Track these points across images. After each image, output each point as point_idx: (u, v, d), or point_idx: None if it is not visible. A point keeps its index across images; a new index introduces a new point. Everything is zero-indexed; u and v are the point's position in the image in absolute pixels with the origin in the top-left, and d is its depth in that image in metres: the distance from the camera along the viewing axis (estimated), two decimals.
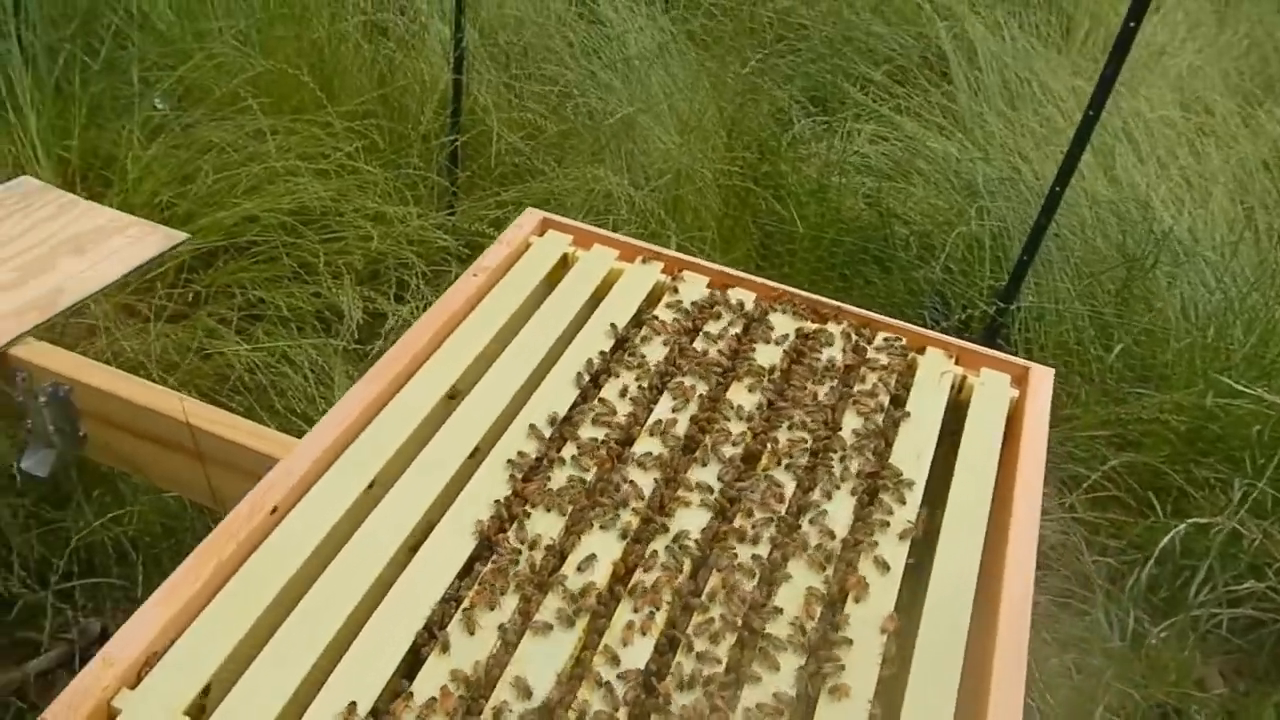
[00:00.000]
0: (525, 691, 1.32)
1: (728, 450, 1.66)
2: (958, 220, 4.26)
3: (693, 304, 1.92)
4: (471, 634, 1.38)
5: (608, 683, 1.33)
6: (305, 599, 1.39)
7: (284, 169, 3.85)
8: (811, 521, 1.57)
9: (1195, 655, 3.01)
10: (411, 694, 1.31)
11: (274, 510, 1.48)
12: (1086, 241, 4.33)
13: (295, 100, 4.04)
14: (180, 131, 3.94)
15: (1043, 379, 1.84)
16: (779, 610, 1.43)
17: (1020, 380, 1.86)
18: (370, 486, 1.55)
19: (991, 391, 1.83)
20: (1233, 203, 4.69)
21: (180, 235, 2.73)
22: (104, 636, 2.52)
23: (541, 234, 2.05)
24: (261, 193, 3.82)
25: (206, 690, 1.30)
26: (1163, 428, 3.55)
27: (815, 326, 1.92)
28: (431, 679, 1.33)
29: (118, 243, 2.46)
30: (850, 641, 1.41)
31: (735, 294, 1.97)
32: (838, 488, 1.62)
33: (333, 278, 3.63)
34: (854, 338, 1.89)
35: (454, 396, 1.72)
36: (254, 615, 1.37)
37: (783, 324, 1.92)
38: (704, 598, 1.45)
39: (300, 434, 1.62)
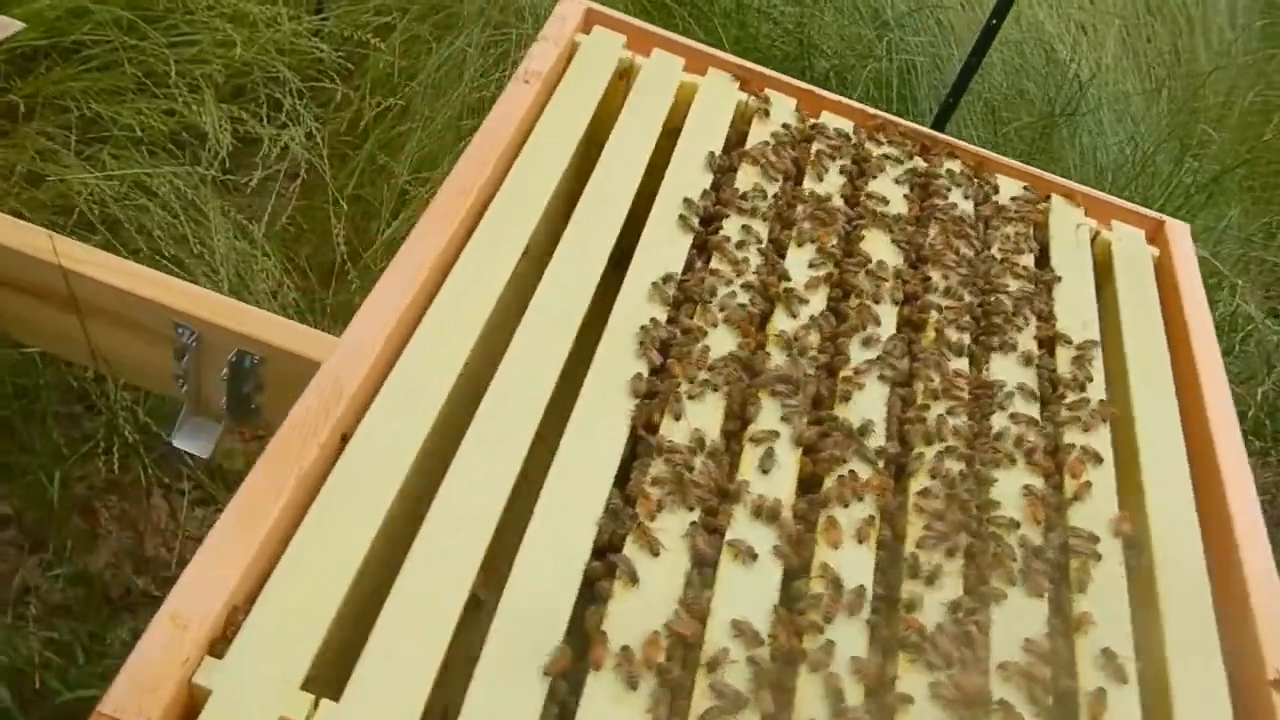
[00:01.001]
0: (749, 635, 1.01)
1: (883, 317, 1.37)
2: (869, 54, 4.00)
3: (788, 132, 1.58)
4: (656, 555, 1.05)
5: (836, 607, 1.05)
6: (429, 521, 1.02)
7: None
8: (1001, 406, 1.31)
9: None
10: (605, 633, 0.98)
11: (345, 437, 1.08)
12: (992, 84, 4.17)
13: None
14: None
15: (1182, 235, 1.63)
16: (1011, 521, 1.18)
17: (1154, 235, 1.64)
18: (465, 366, 1.17)
19: (1131, 250, 1.60)
20: (1124, 48, 4.63)
21: (15, 24, 2.13)
22: None
23: (587, 30, 1.64)
24: None
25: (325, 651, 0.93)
26: None
27: (927, 165, 1.63)
28: (621, 620, 1.00)
29: None
30: (1097, 555, 1.17)
31: (830, 121, 1.64)
32: (1016, 364, 1.37)
33: (189, 92, 3.00)
34: (976, 181, 1.61)
35: (526, 251, 1.33)
36: (364, 543, 0.99)
37: (892, 159, 1.61)
38: (915, 502, 1.18)
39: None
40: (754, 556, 1.08)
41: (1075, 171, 4.07)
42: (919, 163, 1.62)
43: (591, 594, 1.02)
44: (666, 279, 1.32)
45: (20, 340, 2.04)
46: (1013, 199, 1.60)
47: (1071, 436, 1.30)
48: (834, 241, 1.44)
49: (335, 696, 0.89)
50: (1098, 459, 1.27)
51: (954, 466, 1.21)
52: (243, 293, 2.66)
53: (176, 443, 1.63)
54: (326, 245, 2.89)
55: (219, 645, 0.90)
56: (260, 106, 3.11)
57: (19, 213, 2.58)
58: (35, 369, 2.34)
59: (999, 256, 1.50)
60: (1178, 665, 1.10)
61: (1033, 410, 1.31)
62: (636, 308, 1.27)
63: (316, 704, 0.87)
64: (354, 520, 0.99)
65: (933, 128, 3.64)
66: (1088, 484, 1.24)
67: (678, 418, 1.17)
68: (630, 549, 1.05)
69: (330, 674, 0.93)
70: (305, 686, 0.88)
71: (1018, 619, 1.10)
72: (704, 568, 1.07)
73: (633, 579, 1.02)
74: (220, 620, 0.91)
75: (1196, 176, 3.98)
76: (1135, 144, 4.05)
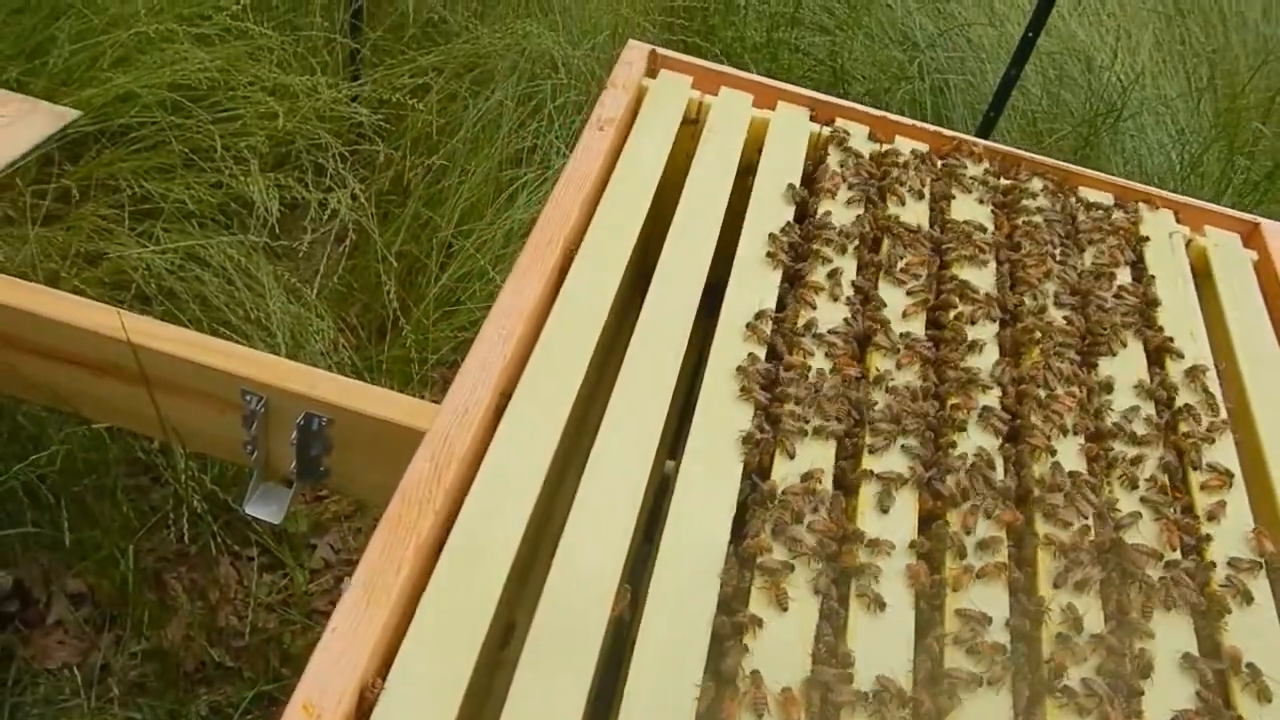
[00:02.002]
0: (894, 692, 0.96)
1: (985, 341, 1.32)
2: (901, 76, 3.97)
3: (865, 159, 1.55)
4: (785, 610, 1.01)
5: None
6: (548, 588, 0.98)
7: (157, 34, 3.14)
8: (1119, 426, 1.26)
9: None
10: (738, 688, 0.94)
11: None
12: (1029, 96, 4.13)
13: None
14: None
15: (1279, 236, 1.57)
16: (1155, 553, 1.12)
17: (1250, 239, 1.58)
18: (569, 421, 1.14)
19: (1229, 256, 1.55)
20: (1160, 51, 4.56)
21: (72, 113, 2.16)
22: (19, 590, 2.09)
23: (653, 73, 1.63)
24: (133, 64, 3.09)
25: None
26: None
27: (1009, 183, 1.59)
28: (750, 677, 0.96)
29: None
30: (1250, 600, 1.11)
31: (904, 145, 1.61)
32: (1128, 381, 1.32)
33: (235, 164, 3.00)
34: (1062, 195, 1.57)
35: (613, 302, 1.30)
36: (488, 611, 0.95)
37: (974, 179, 1.57)
38: (1044, 537, 1.12)
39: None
40: (883, 605, 1.03)
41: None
42: (1000, 181, 1.58)
43: (720, 651, 0.98)
44: (760, 316, 1.28)
45: (90, 417, 2.04)
46: (1101, 210, 1.56)
47: (1195, 452, 1.24)
48: (925, 267, 1.40)
49: None
50: (1227, 475, 1.22)
51: (1079, 495, 1.16)
52: (298, 354, 2.65)
53: (249, 510, 1.61)
54: (376, 302, 2.88)
55: None
56: (305, 173, 3.11)
57: (79, 291, 2.60)
58: (103, 444, 2.34)
59: (1095, 271, 1.45)
60: None
61: (1151, 429, 1.26)
62: (733, 347, 1.24)
63: None
64: (477, 588, 0.96)
65: None
66: (1221, 503, 1.18)
67: (792, 456, 1.13)
68: (756, 603, 1.01)
69: None
70: None
71: (1166, 654, 1.04)
72: (832, 618, 1.02)
73: (759, 626, 0.98)
74: (354, 701, 0.87)
75: (1248, 175, 3.91)
76: (1181, 147, 3.98)
